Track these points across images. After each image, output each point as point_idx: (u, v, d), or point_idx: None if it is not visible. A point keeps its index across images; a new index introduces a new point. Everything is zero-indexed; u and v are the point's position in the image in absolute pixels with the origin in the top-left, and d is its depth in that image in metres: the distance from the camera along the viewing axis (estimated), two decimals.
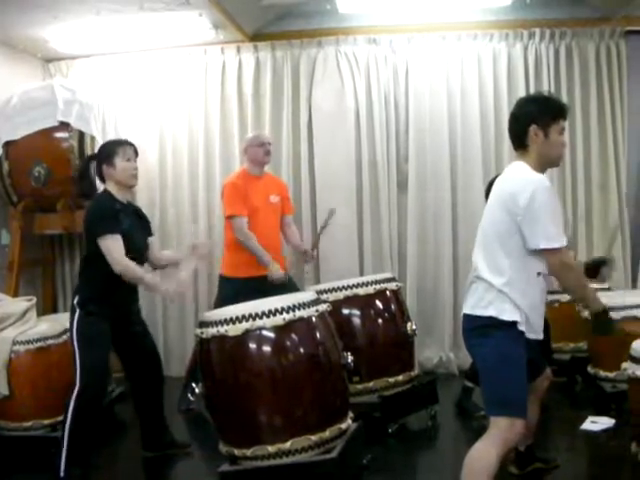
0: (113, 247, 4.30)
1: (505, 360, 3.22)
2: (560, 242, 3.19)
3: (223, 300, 5.17)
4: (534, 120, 3.34)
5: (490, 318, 3.24)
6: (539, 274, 3.28)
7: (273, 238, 5.70)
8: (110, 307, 4.46)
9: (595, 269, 4.13)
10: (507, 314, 3.22)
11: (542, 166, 3.37)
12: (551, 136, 3.36)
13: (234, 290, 5.32)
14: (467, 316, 3.38)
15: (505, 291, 3.22)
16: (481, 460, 3.17)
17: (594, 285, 5.40)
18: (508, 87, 6.73)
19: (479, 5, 6.67)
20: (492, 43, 6.77)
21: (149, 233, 4.83)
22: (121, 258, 4.30)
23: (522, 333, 3.24)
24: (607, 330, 3.41)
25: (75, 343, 4.39)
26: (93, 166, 4.74)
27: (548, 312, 5.75)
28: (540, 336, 3.38)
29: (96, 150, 5.06)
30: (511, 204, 3.23)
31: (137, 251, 4.51)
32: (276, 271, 5.44)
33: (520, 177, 3.31)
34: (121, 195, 4.56)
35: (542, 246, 3.17)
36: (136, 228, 4.58)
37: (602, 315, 3.37)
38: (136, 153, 4.66)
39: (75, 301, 4.45)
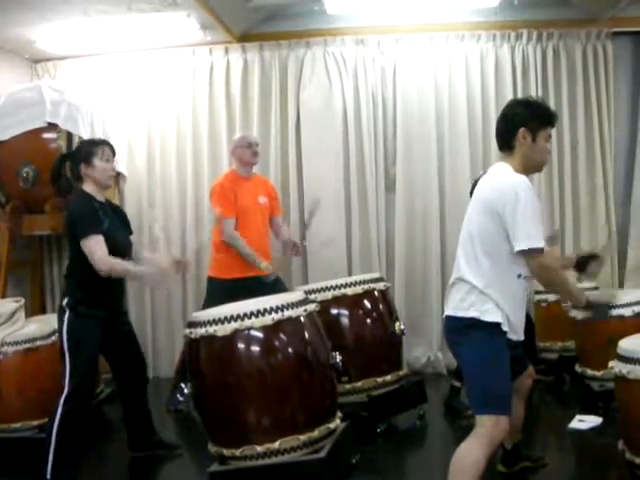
0: (96, 248, 4.29)
1: (487, 359, 3.23)
2: (539, 244, 3.19)
3: (212, 302, 5.17)
4: (524, 123, 3.35)
5: (472, 319, 3.26)
6: (520, 276, 3.30)
7: (262, 239, 5.71)
8: (99, 308, 4.45)
9: (584, 263, 4.16)
10: (489, 315, 3.23)
11: (525, 169, 3.38)
12: (538, 141, 3.37)
13: (223, 291, 5.32)
14: (449, 317, 3.40)
15: (487, 292, 3.24)
16: (468, 459, 3.18)
17: (583, 284, 5.45)
18: (495, 88, 6.75)
19: (466, 6, 6.69)
20: (479, 44, 6.79)
21: (130, 231, 4.82)
22: (105, 258, 4.29)
23: (505, 333, 3.27)
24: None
25: (65, 345, 4.35)
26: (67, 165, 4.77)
27: (536, 312, 5.85)
28: (521, 337, 3.40)
29: None
30: (493, 206, 3.24)
31: (120, 249, 4.48)
32: (265, 268, 5.45)
33: (502, 179, 3.32)
34: (99, 195, 4.56)
35: (521, 247, 3.17)
36: (117, 226, 4.56)
37: (589, 306, 3.36)
38: (113, 153, 4.66)
39: (64, 303, 4.42)
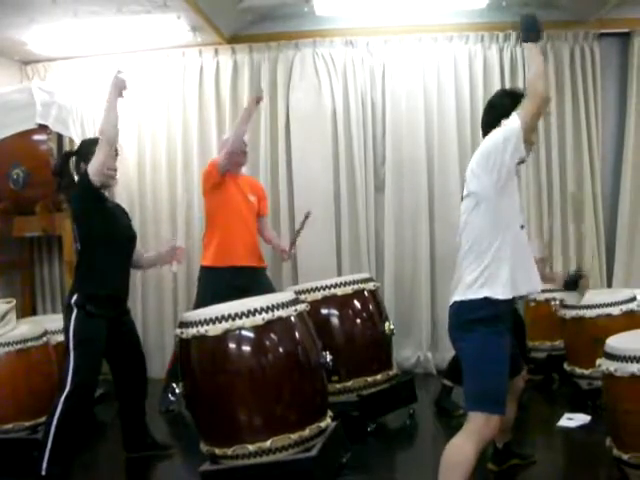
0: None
1: (488, 356, 3.25)
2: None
3: (206, 294, 5.13)
4: (508, 113, 3.37)
5: (485, 299, 3.25)
6: (523, 227, 3.36)
7: (251, 236, 5.64)
8: (107, 307, 4.46)
9: (574, 282, 4.23)
10: (500, 291, 3.25)
11: None
12: None
13: (218, 282, 5.28)
14: (457, 304, 3.35)
15: (497, 258, 3.26)
16: (458, 455, 3.20)
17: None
18: (484, 89, 6.77)
19: (455, 7, 6.72)
20: (468, 45, 6.82)
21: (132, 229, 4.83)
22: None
23: (505, 331, 3.28)
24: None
25: (71, 343, 4.34)
26: (71, 162, 4.76)
27: (525, 311, 5.87)
28: (537, 288, 3.46)
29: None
30: (486, 154, 3.33)
31: (123, 233, 4.52)
32: (252, 98, 5.64)
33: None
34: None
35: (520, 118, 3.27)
36: (119, 214, 4.55)
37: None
38: (116, 153, 4.60)
39: (72, 300, 4.39)
